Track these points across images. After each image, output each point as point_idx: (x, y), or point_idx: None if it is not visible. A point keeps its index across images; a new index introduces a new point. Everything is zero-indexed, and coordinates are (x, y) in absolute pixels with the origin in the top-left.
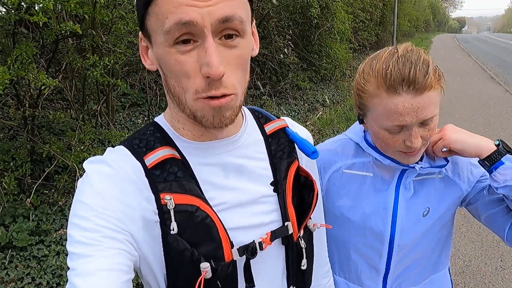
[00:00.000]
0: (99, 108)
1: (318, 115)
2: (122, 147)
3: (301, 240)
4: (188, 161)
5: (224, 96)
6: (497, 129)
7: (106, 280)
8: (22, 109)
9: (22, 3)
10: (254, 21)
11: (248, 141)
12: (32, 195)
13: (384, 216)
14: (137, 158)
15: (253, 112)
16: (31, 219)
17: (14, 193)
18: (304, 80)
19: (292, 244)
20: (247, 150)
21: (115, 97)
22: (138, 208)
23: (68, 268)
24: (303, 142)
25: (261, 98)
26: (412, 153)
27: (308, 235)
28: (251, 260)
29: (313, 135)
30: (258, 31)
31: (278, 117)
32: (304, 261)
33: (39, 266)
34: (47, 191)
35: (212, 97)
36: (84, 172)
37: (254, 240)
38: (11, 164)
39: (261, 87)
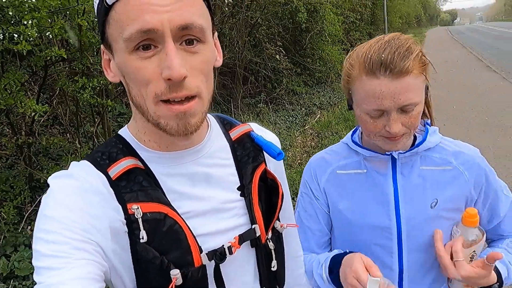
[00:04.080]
0: (94, 130)
1: (316, 118)
2: (85, 161)
3: (269, 241)
4: (153, 171)
5: (187, 99)
6: (497, 118)
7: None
8: (15, 137)
9: (5, 33)
10: (216, 33)
11: (213, 148)
12: (32, 222)
13: (386, 208)
14: (100, 171)
15: (217, 118)
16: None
17: (14, 222)
18: (299, 84)
19: (261, 246)
20: (213, 158)
21: (111, 117)
22: (105, 218)
23: (35, 284)
24: (268, 144)
25: (257, 106)
26: (393, 138)
27: (277, 236)
28: (221, 265)
29: (312, 138)
30: (248, 40)
31: (243, 122)
32: (274, 263)
33: None
34: None
35: (173, 102)
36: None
37: (223, 245)
38: (9, 193)
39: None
